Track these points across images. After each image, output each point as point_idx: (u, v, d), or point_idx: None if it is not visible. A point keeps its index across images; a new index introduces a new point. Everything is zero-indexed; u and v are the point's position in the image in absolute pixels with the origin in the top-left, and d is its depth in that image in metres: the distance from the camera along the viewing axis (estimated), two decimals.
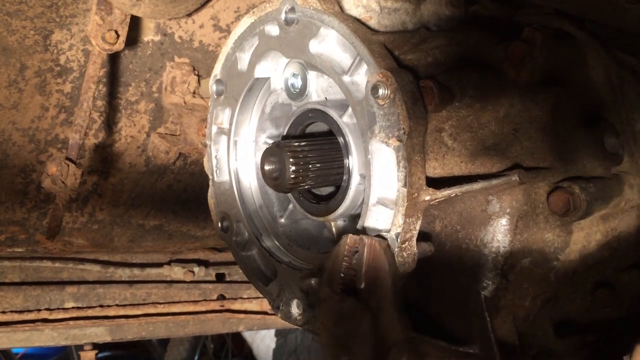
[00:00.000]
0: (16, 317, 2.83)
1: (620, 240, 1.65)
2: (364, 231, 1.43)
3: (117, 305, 3.03)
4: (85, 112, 2.02)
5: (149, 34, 2.22)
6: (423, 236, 1.45)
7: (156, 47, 2.25)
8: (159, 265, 3.10)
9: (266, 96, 1.75)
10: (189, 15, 2.20)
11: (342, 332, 1.34)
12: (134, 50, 2.22)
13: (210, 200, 1.86)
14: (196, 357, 5.68)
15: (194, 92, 2.34)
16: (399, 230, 1.37)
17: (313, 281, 1.56)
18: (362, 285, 1.34)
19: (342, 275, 1.36)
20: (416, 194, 1.37)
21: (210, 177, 1.84)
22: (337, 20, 1.46)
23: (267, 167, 1.59)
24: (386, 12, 1.57)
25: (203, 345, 5.78)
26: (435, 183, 1.42)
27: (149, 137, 2.39)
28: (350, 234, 1.37)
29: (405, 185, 1.36)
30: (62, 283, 2.92)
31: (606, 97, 1.70)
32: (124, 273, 3.02)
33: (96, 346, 3.13)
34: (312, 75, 1.62)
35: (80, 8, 2.05)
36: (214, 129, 1.80)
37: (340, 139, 1.55)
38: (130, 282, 3.06)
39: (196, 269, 3.12)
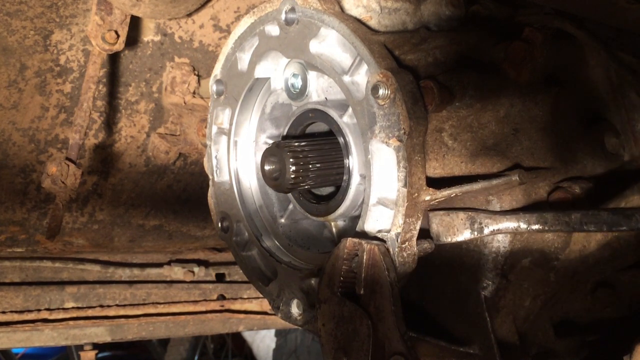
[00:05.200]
0: (16, 317, 2.83)
1: (620, 240, 1.66)
2: (364, 232, 1.43)
3: (117, 305, 3.04)
4: (85, 112, 2.02)
5: (149, 34, 2.22)
6: (423, 235, 1.45)
7: (156, 47, 2.25)
8: (159, 265, 3.10)
9: (266, 96, 1.75)
10: (189, 15, 2.20)
11: (342, 334, 1.34)
12: (134, 50, 2.22)
13: (210, 200, 1.86)
14: (196, 357, 5.68)
15: (194, 92, 2.34)
16: (399, 230, 1.37)
17: (313, 281, 1.56)
18: (362, 292, 1.34)
19: (341, 278, 1.36)
20: (416, 194, 1.37)
21: (211, 177, 1.84)
22: (338, 20, 1.46)
23: (267, 167, 1.59)
24: (386, 12, 1.57)
25: (203, 345, 5.79)
26: (436, 183, 1.42)
27: (149, 137, 2.39)
28: (350, 238, 1.37)
29: (405, 186, 1.36)
30: (62, 283, 2.92)
31: (606, 97, 1.71)
32: (124, 273, 3.02)
33: (96, 346, 3.13)
34: (312, 75, 1.62)
35: (80, 8, 2.05)
36: (214, 129, 1.80)
37: (341, 139, 1.55)
38: (130, 282, 3.06)
39: (196, 269, 3.12)
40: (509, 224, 1.43)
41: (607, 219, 1.34)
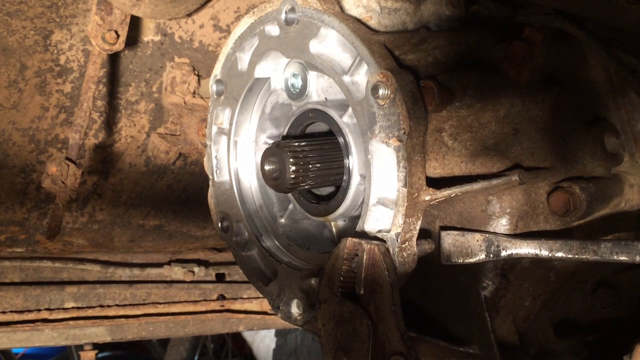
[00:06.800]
0: (16, 317, 2.83)
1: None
2: (364, 232, 1.43)
3: (117, 305, 3.04)
4: (85, 112, 2.02)
5: (149, 34, 2.22)
6: (423, 235, 1.45)
7: (156, 47, 2.25)
8: (159, 265, 3.10)
9: (266, 96, 1.75)
10: (189, 15, 2.20)
11: (342, 334, 1.35)
12: (134, 50, 2.22)
13: (210, 200, 1.86)
14: (196, 357, 5.68)
15: (194, 92, 2.34)
16: (399, 230, 1.37)
17: (313, 281, 1.56)
18: (362, 292, 1.34)
19: (341, 278, 1.36)
20: (416, 194, 1.37)
21: (211, 177, 1.84)
22: (337, 20, 1.46)
23: (267, 167, 1.59)
24: (386, 12, 1.57)
25: (203, 345, 5.79)
26: (435, 183, 1.42)
27: (149, 137, 2.39)
28: (350, 238, 1.37)
29: (405, 186, 1.36)
30: (62, 283, 2.93)
31: (606, 97, 1.71)
32: (124, 273, 3.02)
33: (96, 346, 3.14)
34: (312, 75, 1.62)
35: (80, 8, 2.05)
36: (214, 129, 1.80)
37: (340, 139, 1.55)
38: (130, 282, 3.06)
39: (196, 269, 3.13)
40: (529, 249, 1.39)
41: None
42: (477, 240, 1.42)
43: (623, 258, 1.31)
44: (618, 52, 1.71)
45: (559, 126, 1.57)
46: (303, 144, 1.58)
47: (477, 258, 1.42)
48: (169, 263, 3.12)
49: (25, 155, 2.24)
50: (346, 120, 1.54)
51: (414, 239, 1.40)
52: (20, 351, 5.69)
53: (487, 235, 1.42)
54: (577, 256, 1.36)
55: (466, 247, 1.43)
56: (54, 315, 2.91)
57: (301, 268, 1.63)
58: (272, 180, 1.58)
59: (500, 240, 1.40)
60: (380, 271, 1.33)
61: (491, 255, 1.41)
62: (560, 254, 1.37)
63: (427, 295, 1.63)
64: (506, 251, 1.40)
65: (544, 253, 1.39)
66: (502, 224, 1.49)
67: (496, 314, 1.55)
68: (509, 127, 1.52)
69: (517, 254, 1.40)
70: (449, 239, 1.44)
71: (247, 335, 6.09)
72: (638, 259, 1.30)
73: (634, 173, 1.67)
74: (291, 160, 1.54)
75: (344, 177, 1.56)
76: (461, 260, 1.43)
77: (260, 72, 1.67)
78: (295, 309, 1.62)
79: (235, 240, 1.79)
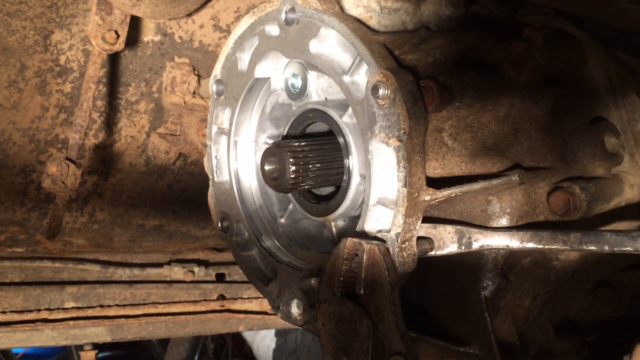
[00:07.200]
0: (16, 317, 2.83)
1: None
2: (364, 232, 1.43)
3: (117, 305, 3.04)
4: (85, 112, 2.02)
5: (149, 34, 2.22)
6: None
7: (156, 47, 2.25)
8: (159, 265, 3.10)
9: (266, 96, 1.75)
10: (189, 15, 2.20)
11: (342, 334, 1.35)
12: (134, 50, 2.22)
13: (210, 200, 1.86)
14: (196, 357, 5.68)
15: (194, 92, 2.34)
16: (399, 230, 1.37)
17: (313, 281, 1.56)
18: (362, 292, 1.34)
19: (341, 278, 1.36)
20: (416, 194, 1.37)
21: (210, 177, 1.84)
22: (337, 20, 1.46)
23: (267, 167, 1.59)
24: (386, 12, 1.57)
25: (203, 345, 5.79)
26: (435, 183, 1.42)
27: (149, 137, 2.39)
28: (350, 238, 1.37)
29: (405, 185, 1.36)
30: (62, 283, 2.93)
31: (606, 97, 1.71)
32: (124, 273, 3.02)
33: (96, 346, 3.14)
34: (312, 75, 1.62)
35: (80, 8, 2.05)
36: (214, 129, 1.80)
37: (340, 139, 1.55)
38: (130, 282, 3.06)
39: (196, 269, 3.13)
40: (501, 240, 1.41)
41: (610, 240, 1.30)
42: (449, 232, 1.43)
43: (592, 247, 1.32)
44: (618, 52, 1.72)
45: (559, 126, 1.57)
46: (303, 144, 1.58)
47: (449, 250, 1.43)
48: (169, 263, 3.12)
49: (25, 155, 2.24)
50: (346, 120, 1.54)
51: (414, 239, 1.40)
52: (20, 351, 5.69)
53: (459, 227, 1.43)
54: (547, 246, 1.37)
55: (438, 239, 1.43)
56: (54, 315, 2.91)
57: (301, 268, 1.63)
58: (272, 180, 1.58)
59: (472, 231, 1.41)
60: (380, 271, 1.33)
61: (463, 247, 1.42)
62: (530, 245, 1.39)
63: (427, 295, 1.63)
64: (477, 242, 1.41)
65: (515, 244, 1.40)
66: (502, 224, 1.49)
67: (496, 314, 1.55)
68: (509, 127, 1.52)
69: (488, 245, 1.41)
70: (421, 232, 1.44)
71: (247, 335, 6.10)
72: (606, 248, 1.31)
73: (634, 173, 1.67)
74: (291, 160, 1.54)
75: (344, 177, 1.56)
76: (433, 253, 1.43)
77: (260, 72, 1.67)
78: (295, 309, 1.62)
79: (235, 240, 1.79)
